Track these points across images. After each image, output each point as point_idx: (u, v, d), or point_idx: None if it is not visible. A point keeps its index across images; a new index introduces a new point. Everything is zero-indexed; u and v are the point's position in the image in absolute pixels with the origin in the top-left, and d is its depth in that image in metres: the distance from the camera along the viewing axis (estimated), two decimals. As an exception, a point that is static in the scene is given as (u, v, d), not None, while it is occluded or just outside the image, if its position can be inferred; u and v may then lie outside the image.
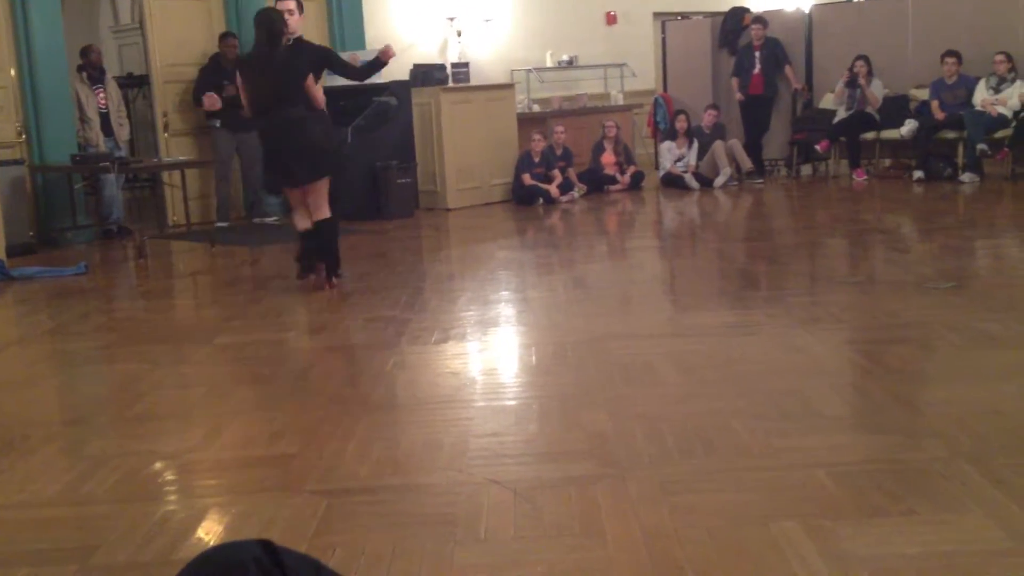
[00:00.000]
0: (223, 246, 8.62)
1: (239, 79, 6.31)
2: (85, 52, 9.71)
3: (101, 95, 9.66)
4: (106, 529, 2.89)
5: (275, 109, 6.10)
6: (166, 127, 10.10)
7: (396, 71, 10.78)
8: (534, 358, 4.57)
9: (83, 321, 6.02)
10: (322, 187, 6.23)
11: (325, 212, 6.27)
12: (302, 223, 6.33)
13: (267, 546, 1.34)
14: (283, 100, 6.10)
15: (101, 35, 13.65)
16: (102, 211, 9.59)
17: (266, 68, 6.10)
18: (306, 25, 10.90)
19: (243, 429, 3.78)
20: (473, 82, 11.57)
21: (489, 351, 4.88)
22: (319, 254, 6.38)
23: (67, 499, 3.15)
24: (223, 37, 9.94)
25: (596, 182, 11.06)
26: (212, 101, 7.04)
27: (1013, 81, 10.05)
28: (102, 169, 8.60)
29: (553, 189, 10.40)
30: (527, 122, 11.29)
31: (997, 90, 10.10)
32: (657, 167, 11.90)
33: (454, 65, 11.55)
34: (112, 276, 7.78)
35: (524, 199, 10.42)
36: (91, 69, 9.65)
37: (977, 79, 10.29)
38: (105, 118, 9.64)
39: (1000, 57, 10.06)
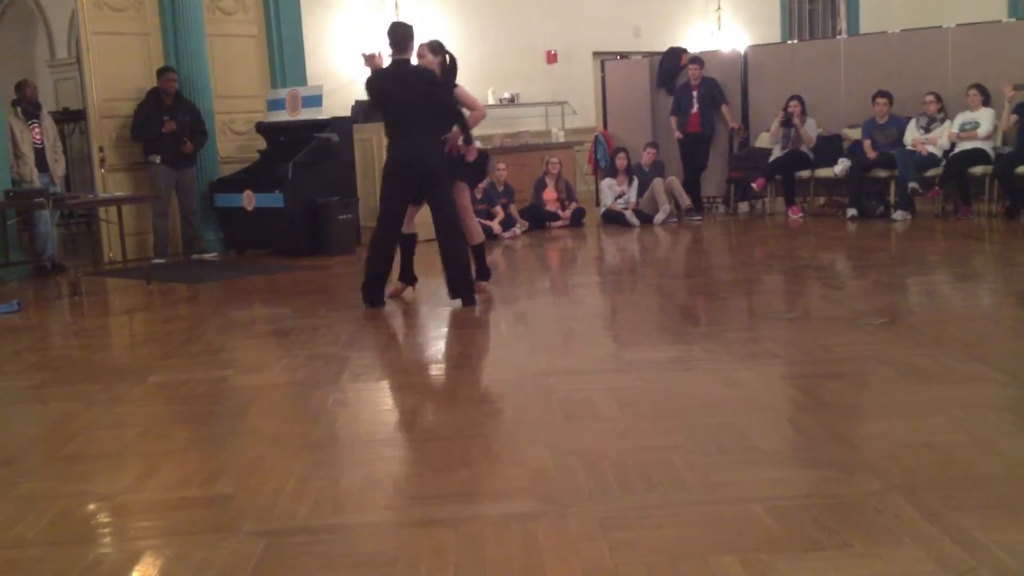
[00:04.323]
0: (160, 283, 8.51)
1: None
2: (20, 87, 9.58)
3: (36, 130, 9.53)
4: (37, 572, 2.82)
5: None
6: (103, 162, 9.97)
7: (338, 107, 10.80)
8: (475, 394, 4.56)
9: (15, 359, 5.89)
10: None
11: None
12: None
13: None
14: None
15: (37, 69, 13.50)
16: (36, 248, 9.43)
17: None
18: (245, 59, 10.95)
19: (179, 469, 3.72)
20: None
21: (429, 388, 4.87)
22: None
23: (-4, 543, 3.08)
24: (161, 72, 9.87)
25: (537, 218, 11.13)
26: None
27: (943, 121, 10.35)
28: (36, 205, 8.47)
29: (495, 225, 10.44)
30: (469, 159, 11.29)
31: (927, 130, 10.38)
32: (598, 203, 12.01)
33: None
34: (46, 314, 7.63)
35: (466, 235, 10.43)
36: (26, 104, 9.52)
37: (908, 119, 10.58)
38: (40, 153, 9.50)
39: (930, 98, 10.36)
